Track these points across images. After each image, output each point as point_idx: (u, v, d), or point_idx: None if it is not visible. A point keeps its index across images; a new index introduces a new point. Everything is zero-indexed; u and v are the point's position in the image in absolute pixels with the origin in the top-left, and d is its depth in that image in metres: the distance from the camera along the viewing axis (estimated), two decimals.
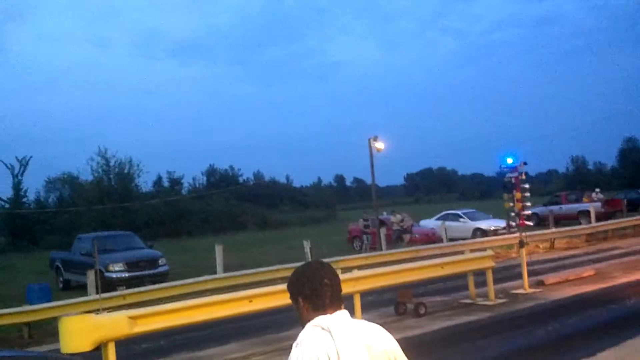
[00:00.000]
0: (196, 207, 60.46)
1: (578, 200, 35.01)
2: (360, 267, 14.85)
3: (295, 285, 2.59)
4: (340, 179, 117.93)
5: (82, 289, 18.52)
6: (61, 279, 23.11)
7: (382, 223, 27.64)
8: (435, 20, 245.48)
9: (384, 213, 31.95)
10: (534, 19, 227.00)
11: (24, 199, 56.38)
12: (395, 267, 13.29)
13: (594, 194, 35.51)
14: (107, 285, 17.66)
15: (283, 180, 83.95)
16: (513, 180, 14.73)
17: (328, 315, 2.48)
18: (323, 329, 2.42)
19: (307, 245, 21.42)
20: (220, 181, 73.22)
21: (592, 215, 29.02)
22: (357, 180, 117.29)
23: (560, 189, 62.97)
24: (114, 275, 19.87)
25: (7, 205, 54.38)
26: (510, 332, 10.44)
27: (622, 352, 8.33)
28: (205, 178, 76.79)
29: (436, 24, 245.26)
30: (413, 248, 22.44)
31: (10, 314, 13.80)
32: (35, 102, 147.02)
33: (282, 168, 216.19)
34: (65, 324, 8.07)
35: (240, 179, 76.86)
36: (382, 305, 13.62)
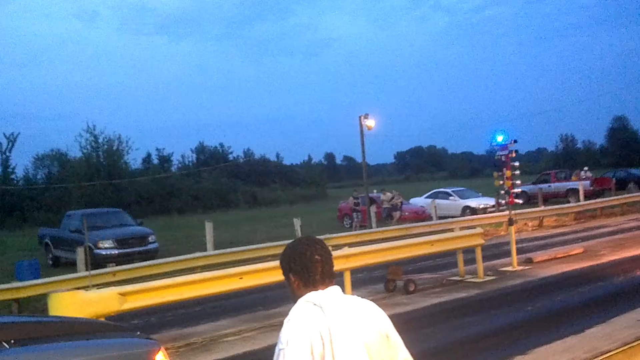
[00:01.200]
0: (186, 185, 60.27)
1: (567, 178, 35.22)
2: (350, 245, 14.87)
3: (286, 261, 2.58)
4: (330, 157, 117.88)
5: (71, 265, 18.49)
6: (50, 255, 23.04)
7: (372, 201, 27.70)
8: None
9: (374, 191, 32.01)
10: None
11: (13, 176, 56.03)
12: (385, 245, 13.33)
13: (582, 173, 35.69)
14: (97, 262, 17.64)
15: (273, 158, 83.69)
16: (503, 158, 14.76)
17: (320, 291, 2.47)
18: (315, 304, 2.42)
19: (297, 222, 21.45)
20: (210, 158, 72.95)
21: (581, 193, 29.21)
22: (347, 158, 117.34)
23: (550, 167, 63.23)
24: (103, 252, 19.83)
25: None
26: (498, 309, 10.51)
27: (609, 328, 8.41)
28: (194, 155, 76.52)
29: (427, 0, 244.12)
30: (403, 226, 22.53)
31: None
32: (23, 78, 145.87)
33: (273, 145, 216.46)
34: (55, 300, 8.05)
35: (231, 157, 76.66)
36: (372, 282, 13.69)
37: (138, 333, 6.42)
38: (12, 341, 5.28)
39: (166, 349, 9.26)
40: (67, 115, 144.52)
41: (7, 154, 55.17)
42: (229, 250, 18.05)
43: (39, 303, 13.46)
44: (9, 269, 18.73)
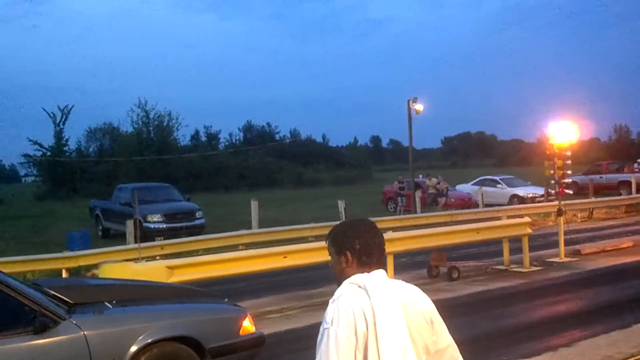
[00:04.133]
0: (233, 163, 60.96)
1: (619, 170, 34.32)
2: (394, 229, 14.84)
3: (348, 238, 2.55)
4: (376, 139, 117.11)
5: (120, 237, 18.96)
6: (101, 227, 23.68)
7: (417, 186, 27.54)
8: None
9: (420, 176, 31.79)
10: None
11: (65, 148, 57.47)
12: (430, 230, 13.30)
13: (635, 165, 34.75)
14: (145, 235, 18.02)
15: (319, 139, 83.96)
16: (555, 148, 14.48)
17: (365, 274, 2.49)
18: (359, 286, 2.44)
19: (341, 204, 21.50)
20: (257, 137, 73.55)
21: (633, 185, 28.49)
22: (393, 141, 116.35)
23: (602, 158, 61.59)
24: (152, 226, 20.26)
25: (48, 153, 55.52)
26: (543, 300, 10.39)
27: None
28: (242, 134, 77.26)
29: None
30: (448, 212, 22.36)
31: (51, 259, 14.21)
32: (77, 52, 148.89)
33: (319, 126, 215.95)
34: (106, 270, 8.30)
35: (277, 136, 77.10)
36: (415, 267, 13.63)
37: (226, 300, 6.74)
38: (114, 301, 5.72)
39: None
40: (119, 89, 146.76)
41: (61, 126, 56.49)
42: (273, 229, 18.23)
43: (89, 272, 13.86)
44: (61, 239, 19.31)
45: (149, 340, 5.40)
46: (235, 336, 5.99)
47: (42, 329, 4.99)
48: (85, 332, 5.15)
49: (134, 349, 5.32)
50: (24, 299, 5.07)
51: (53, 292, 5.60)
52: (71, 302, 5.54)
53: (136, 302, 6.07)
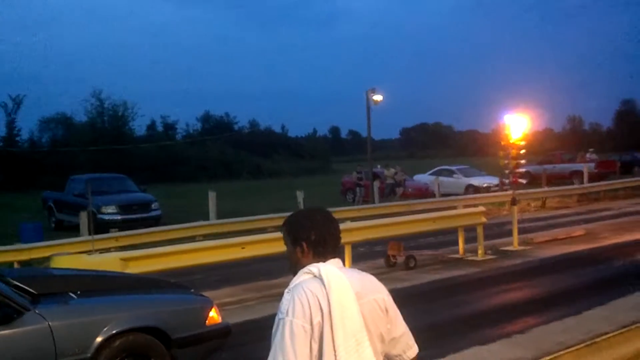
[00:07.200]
0: (190, 153, 60.27)
1: (572, 160, 35.12)
2: (352, 219, 14.90)
3: (303, 229, 2.54)
4: (335, 130, 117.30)
5: (74, 229, 18.58)
6: (54, 219, 23.15)
7: (375, 176, 27.69)
8: None
9: (378, 166, 31.98)
10: None
11: (18, 138, 56.08)
12: (388, 220, 13.37)
13: (587, 155, 35.61)
14: (100, 227, 17.68)
15: (278, 129, 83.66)
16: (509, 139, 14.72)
17: (320, 263, 2.48)
18: (315, 276, 2.42)
19: (300, 195, 21.47)
20: (215, 128, 72.72)
21: (585, 175, 29.19)
22: (352, 132, 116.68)
23: (555, 148, 62.89)
24: (106, 217, 19.90)
25: (0, 144, 54.07)
26: (497, 288, 10.57)
27: (608, 311, 8.45)
28: (200, 124, 76.36)
29: None
30: (405, 202, 22.54)
31: (2, 251, 13.84)
32: (30, 40, 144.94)
33: (278, 117, 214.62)
34: (57, 262, 8.12)
35: (236, 127, 76.48)
36: (373, 257, 13.71)
37: (192, 290, 6.68)
38: (79, 292, 5.67)
39: None
40: (73, 78, 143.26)
41: (13, 115, 55.10)
42: (231, 220, 18.09)
43: (42, 265, 13.54)
44: (13, 231, 18.83)
45: (115, 331, 5.38)
46: (202, 326, 6.00)
47: (5, 320, 4.93)
48: (50, 323, 5.10)
49: (99, 339, 5.30)
50: None
51: (16, 283, 5.54)
52: (35, 292, 5.49)
53: (101, 292, 6.03)
